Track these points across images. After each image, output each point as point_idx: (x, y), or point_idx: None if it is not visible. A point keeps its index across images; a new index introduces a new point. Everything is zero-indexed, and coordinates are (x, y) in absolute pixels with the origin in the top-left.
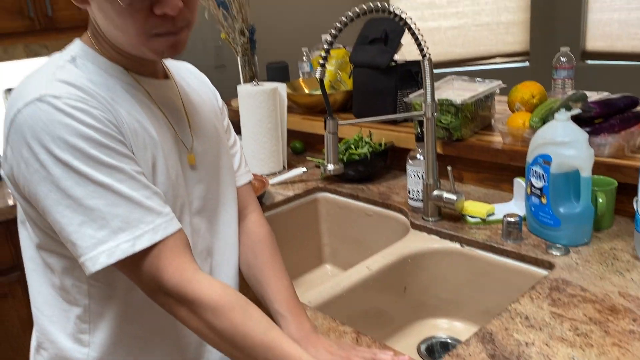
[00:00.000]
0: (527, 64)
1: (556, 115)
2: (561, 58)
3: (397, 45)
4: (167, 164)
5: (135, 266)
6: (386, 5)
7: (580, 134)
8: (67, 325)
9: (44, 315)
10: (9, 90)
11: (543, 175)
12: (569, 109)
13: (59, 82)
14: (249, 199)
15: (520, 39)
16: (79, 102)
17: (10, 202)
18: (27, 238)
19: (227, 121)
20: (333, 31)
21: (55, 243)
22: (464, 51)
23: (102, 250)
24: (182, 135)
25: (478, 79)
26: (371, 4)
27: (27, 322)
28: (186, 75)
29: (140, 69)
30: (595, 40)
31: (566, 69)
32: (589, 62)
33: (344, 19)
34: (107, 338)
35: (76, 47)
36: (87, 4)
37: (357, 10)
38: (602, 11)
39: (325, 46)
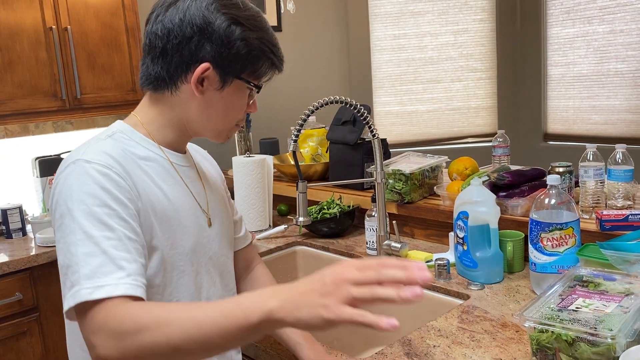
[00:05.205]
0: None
1: (471, 181)
2: (498, 139)
3: (363, 127)
4: (182, 223)
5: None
6: (348, 99)
7: (489, 195)
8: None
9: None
10: (37, 159)
11: (464, 228)
12: (486, 177)
13: (95, 151)
14: (254, 255)
15: (489, 122)
16: (103, 168)
17: (34, 252)
18: None
19: (228, 194)
20: (303, 116)
21: None
22: (439, 132)
23: (69, 293)
24: (199, 199)
25: (429, 155)
26: (335, 97)
27: (41, 358)
28: (197, 154)
29: (172, 145)
30: (555, 124)
31: (502, 147)
32: (550, 143)
33: (311, 107)
34: None
35: (116, 125)
36: (201, 93)
37: (322, 101)
38: (559, 99)
39: (297, 126)
